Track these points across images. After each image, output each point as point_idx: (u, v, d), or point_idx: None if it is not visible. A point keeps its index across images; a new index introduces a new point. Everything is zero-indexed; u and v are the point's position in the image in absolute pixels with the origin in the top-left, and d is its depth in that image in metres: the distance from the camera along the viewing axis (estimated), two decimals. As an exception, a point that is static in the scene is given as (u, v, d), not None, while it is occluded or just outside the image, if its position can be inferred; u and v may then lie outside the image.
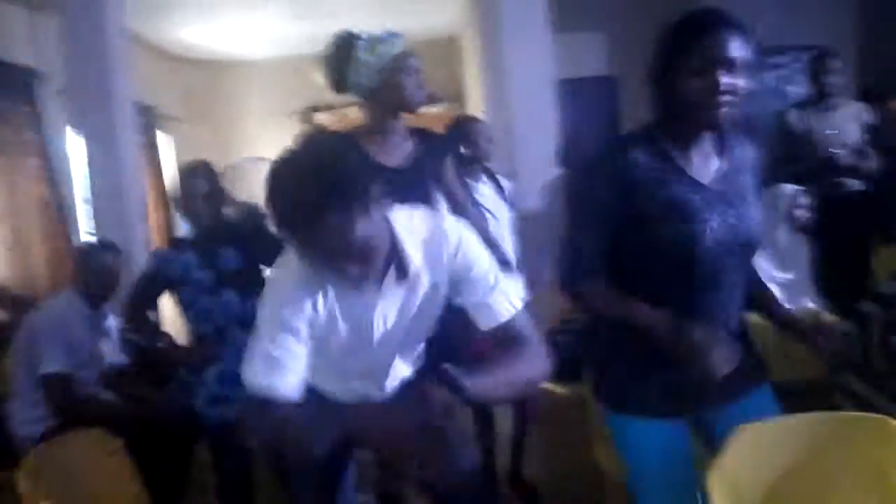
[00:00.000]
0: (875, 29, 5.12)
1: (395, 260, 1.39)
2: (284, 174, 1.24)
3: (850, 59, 4.98)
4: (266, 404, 1.34)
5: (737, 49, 1.29)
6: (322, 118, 6.53)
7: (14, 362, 2.61)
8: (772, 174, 3.27)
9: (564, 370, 2.79)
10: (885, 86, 4.02)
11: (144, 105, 5.25)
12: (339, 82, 1.94)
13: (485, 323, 1.44)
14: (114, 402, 2.66)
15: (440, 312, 1.52)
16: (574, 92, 4.42)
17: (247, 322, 2.24)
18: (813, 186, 3.17)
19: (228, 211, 2.50)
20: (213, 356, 2.24)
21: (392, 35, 1.93)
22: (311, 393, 1.46)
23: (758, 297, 1.58)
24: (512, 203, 3.08)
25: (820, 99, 3.49)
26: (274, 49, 6.50)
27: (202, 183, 2.26)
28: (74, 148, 4.11)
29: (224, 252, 2.26)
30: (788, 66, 5.07)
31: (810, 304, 2.79)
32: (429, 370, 1.65)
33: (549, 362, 1.43)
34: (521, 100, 3.88)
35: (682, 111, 1.36)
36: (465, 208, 2.17)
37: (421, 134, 2.06)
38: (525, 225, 3.35)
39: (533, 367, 1.42)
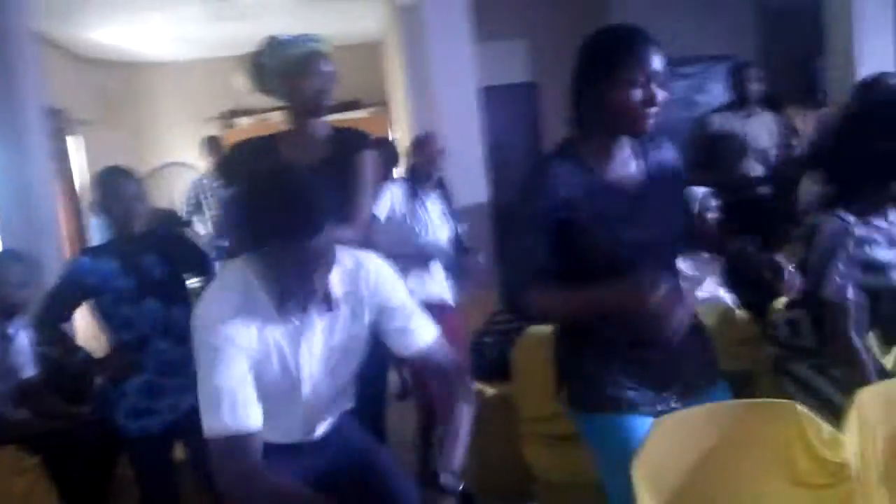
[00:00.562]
0: (771, 42, 5.47)
1: (323, 294, 1.43)
2: (263, 198, 1.32)
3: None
4: (241, 444, 1.33)
5: (658, 63, 1.39)
6: (242, 123, 6.42)
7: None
8: (687, 178, 3.45)
9: (492, 371, 2.87)
10: (781, 95, 4.29)
11: (54, 109, 5.03)
12: (255, 85, 2.00)
13: (405, 349, 1.52)
14: (27, 420, 2.53)
15: (363, 348, 1.55)
16: (497, 98, 4.52)
17: (170, 330, 2.19)
18: (727, 189, 3.36)
19: (149, 217, 2.43)
20: (135, 366, 2.17)
21: (303, 38, 1.96)
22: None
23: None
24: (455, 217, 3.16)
25: (740, 106, 3.70)
26: (191, 51, 6.34)
27: (126, 187, 2.19)
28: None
29: (146, 259, 2.20)
30: (697, 76, 5.35)
31: (722, 300, 2.94)
32: (357, 410, 1.70)
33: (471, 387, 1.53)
34: (445, 106, 3.93)
35: (611, 121, 1.43)
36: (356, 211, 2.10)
37: (341, 132, 2.09)
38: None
39: (470, 399, 1.51)
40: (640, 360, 1.48)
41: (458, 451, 1.45)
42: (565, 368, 1.59)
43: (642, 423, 1.48)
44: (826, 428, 1.44)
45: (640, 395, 1.51)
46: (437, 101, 3.95)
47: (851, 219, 1.81)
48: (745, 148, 3.58)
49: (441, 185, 3.13)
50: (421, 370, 1.55)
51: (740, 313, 2.69)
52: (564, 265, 1.49)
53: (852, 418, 1.47)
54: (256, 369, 1.41)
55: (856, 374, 1.73)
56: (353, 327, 1.50)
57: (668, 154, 1.58)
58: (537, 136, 5.62)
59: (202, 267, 2.37)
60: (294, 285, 1.35)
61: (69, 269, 2.22)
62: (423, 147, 3.03)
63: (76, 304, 2.24)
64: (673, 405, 1.51)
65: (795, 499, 1.42)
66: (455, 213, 3.19)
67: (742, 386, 2.27)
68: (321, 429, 1.61)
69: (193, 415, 2.14)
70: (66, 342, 2.31)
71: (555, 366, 1.61)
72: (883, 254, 1.81)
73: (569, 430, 1.68)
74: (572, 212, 1.44)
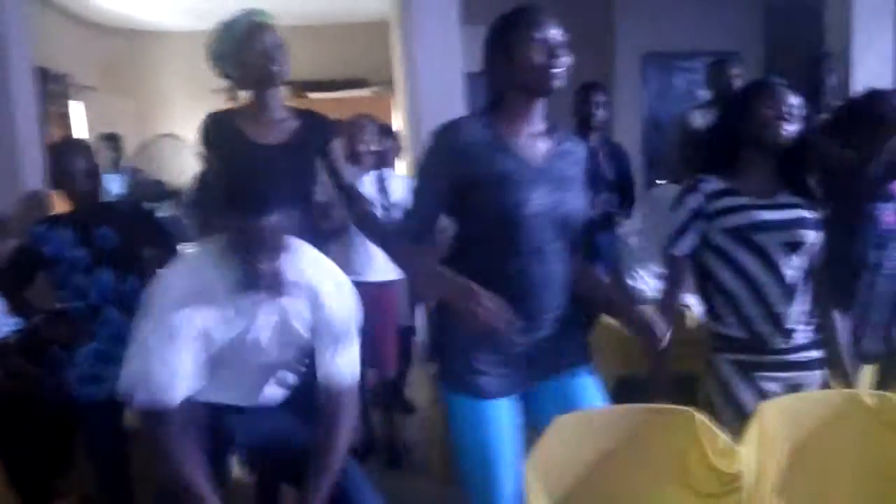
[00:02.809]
0: (779, 35, 5.37)
1: (280, 281, 1.57)
2: (221, 176, 1.56)
3: (760, 63, 5.23)
4: (160, 415, 1.51)
5: (559, 32, 1.53)
6: (244, 95, 6.45)
7: None
8: (670, 173, 3.42)
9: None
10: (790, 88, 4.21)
11: (57, 73, 5.10)
12: (215, 70, 2.02)
13: (319, 366, 1.68)
14: (-9, 379, 2.60)
15: (306, 340, 1.69)
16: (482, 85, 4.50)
17: (122, 301, 2.25)
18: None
19: (138, 185, 2.49)
20: (86, 334, 2.23)
21: (245, 14, 2.02)
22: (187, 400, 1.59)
23: (584, 279, 1.71)
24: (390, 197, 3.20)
25: (720, 102, 3.61)
26: (197, 22, 6.35)
27: (80, 160, 2.23)
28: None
29: (101, 230, 2.24)
30: (699, 71, 5.28)
31: (687, 302, 2.94)
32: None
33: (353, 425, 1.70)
34: (431, 90, 3.93)
35: (520, 79, 1.52)
36: (350, 190, 2.26)
37: (307, 114, 2.14)
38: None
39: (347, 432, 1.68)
40: (503, 343, 1.54)
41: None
42: (435, 343, 1.68)
43: (501, 409, 1.56)
44: (722, 438, 1.45)
45: (498, 381, 1.57)
46: (424, 83, 3.95)
47: (712, 181, 1.83)
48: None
49: (383, 165, 3.27)
50: (322, 394, 1.69)
51: (691, 315, 2.69)
52: (461, 226, 1.60)
53: (752, 429, 1.48)
54: (207, 340, 1.55)
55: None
56: (295, 318, 1.63)
57: (578, 149, 1.67)
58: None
59: (160, 241, 2.41)
60: (245, 263, 1.49)
61: (26, 237, 2.28)
62: (352, 128, 3.11)
63: (33, 271, 2.30)
64: (534, 382, 1.61)
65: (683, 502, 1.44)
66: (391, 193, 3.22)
67: (686, 389, 2.28)
68: (261, 398, 1.76)
69: None
70: (23, 307, 2.37)
71: (429, 336, 1.72)
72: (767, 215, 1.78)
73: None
74: (475, 171, 1.53)
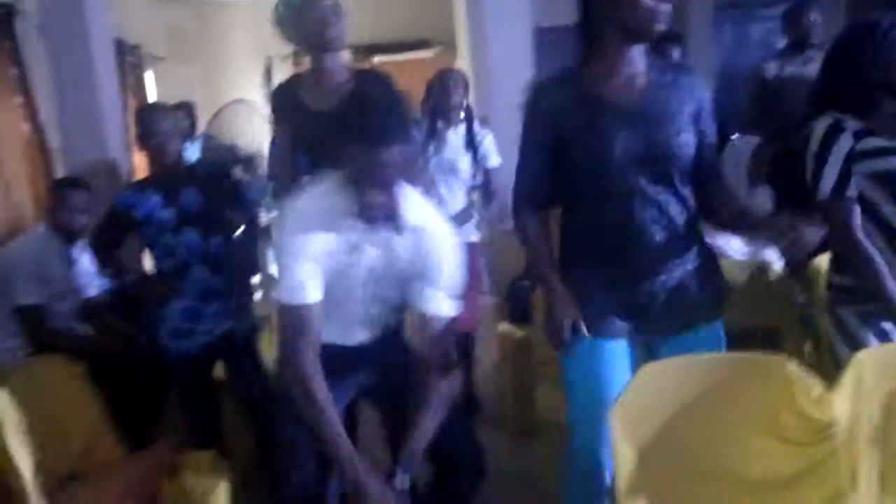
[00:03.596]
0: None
1: (395, 215, 1.63)
2: (356, 113, 1.59)
3: (839, 8, 4.95)
4: (301, 313, 1.62)
5: None
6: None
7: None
8: (745, 126, 3.31)
9: (523, 314, 2.93)
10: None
11: (130, 44, 5.24)
12: (281, 35, 2.07)
13: (415, 306, 1.72)
14: (88, 335, 2.75)
15: (404, 280, 1.73)
16: (551, 41, 4.41)
17: (208, 259, 2.34)
18: (784, 139, 3.21)
19: (212, 151, 2.56)
20: (176, 292, 2.33)
21: None
22: None
23: (718, 207, 1.65)
24: (480, 153, 3.13)
25: (797, 50, 3.47)
26: (262, -11, 6.43)
27: (165, 122, 2.31)
28: (55, 85, 4.12)
29: (186, 192, 2.33)
30: (777, 20, 5.03)
31: (769, 257, 2.86)
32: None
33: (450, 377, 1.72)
34: (499, 47, 3.89)
35: (623, 21, 1.49)
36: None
37: (366, 74, 2.14)
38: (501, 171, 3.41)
39: (443, 391, 1.70)
40: (626, 287, 1.56)
41: (419, 442, 1.65)
42: None
43: (615, 350, 1.57)
44: (816, 386, 1.43)
45: (618, 321, 1.58)
46: (491, 40, 3.91)
47: (851, 121, 1.75)
48: (803, 95, 3.38)
49: (468, 120, 3.10)
50: (418, 334, 1.73)
51: (775, 269, 2.62)
52: (561, 182, 1.61)
53: (847, 378, 1.45)
54: (325, 270, 1.64)
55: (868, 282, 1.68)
56: (407, 258, 1.69)
57: (686, 79, 1.60)
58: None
59: (240, 203, 2.49)
60: (361, 195, 1.57)
61: (116, 201, 2.39)
62: (440, 82, 3.03)
63: (124, 233, 2.41)
64: (652, 340, 1.61)
65: (776, 453, 1.43)
66: (483, 151, 3.14)
67: (768, 341, 2.25)
68: (366, 337, 1.83)
69: (229, 338, 2.34)
70: (118, 266, 2.50)
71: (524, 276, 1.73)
72: None
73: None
74: (567, 124, 1.54)
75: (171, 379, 2.68)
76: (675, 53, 3.14)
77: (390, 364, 1.84)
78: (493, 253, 3.33)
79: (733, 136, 3.14)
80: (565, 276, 1.63)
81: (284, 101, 2.10)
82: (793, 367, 1.44)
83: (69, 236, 2.73)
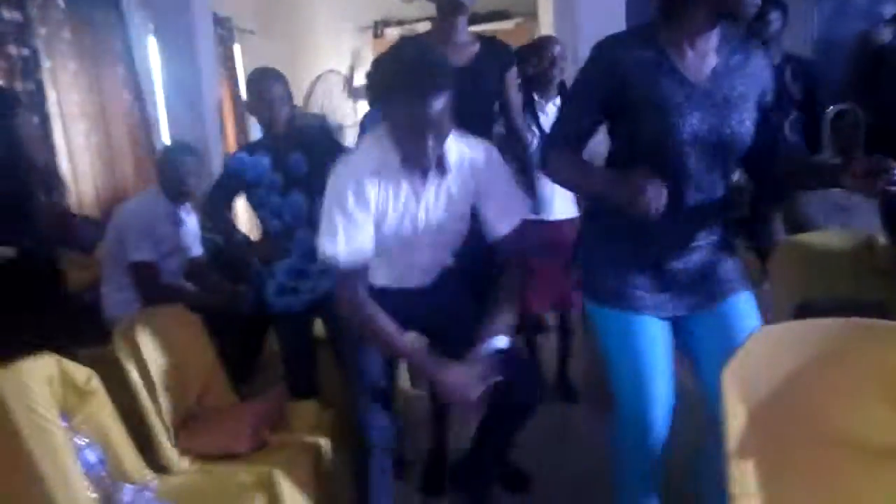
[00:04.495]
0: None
1: (441, 160, 1.69)
2: (396, 62, 1.59)
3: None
4: (349, 269, 1.67)
5: None
6: (392, 33, 6.58)
7: (105, 251, 2.88)
8: (845, 96, 3.17)
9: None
10: None
11: (221, 17, 5.41)
12: None
13: (496, 230, 1.78)
14: (194, 291, 2.90)
15: (467, 214, 1.81)
16: (643, 9, 4.31)
17: (312, 221, 2.43)
18: (890, 114, 3.07)
19: (301, 120, 2.65)
20: (283, 251, 2.44)
21: None
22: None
23: (790, 165, 1.63)
24: None
25: None
26: (345, -38, 6.51)
27: (276, 88, 2.39)
28: (156, 56, 4.31)
29: (293, 156, 2.42)
30: (882, -14, 4.78)
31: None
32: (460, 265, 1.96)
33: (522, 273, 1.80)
34: (589, 17, 3.82)
35: (718, 5, 1.43)
36: (516, 122, 2.30)
37: (487, 40, 2.21)
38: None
39: (516, 283, 1.79)
40: (657, 264, 1.55)
41: (505, 317, 1.73)
42: (585, 256, 1.69)
43: (650, 323, 1.57)
44: (939, 355, 1.39)
45: (650, 297, 1.58)
46: (582, 9, 3.85)
47: None
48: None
49: (563, 91, 3.03)
50: (493, 248, 1.81)
51: (883, 242, 2.53)
52: (617, 148, 1.58)
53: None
54: (380, 220, 1.70)
55: None
56: (460, 193, 1.75)
57: (755, 61, 1.55)
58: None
59: None
60: (415, 143, 1.58)
61: (230, 164, 2.50)
62: (540, 51, 2.93)
63: (236, 193, 2.52)
64: (683, 310, 1.60)
65: (891, 422, 1.40)
66: None
67: (875, 316, 2.18)
68: (429, 278, 1.91)
69: (330, 297, 2.44)
70: (228, 225, 2.62)
71: (576, 248, 1.73)
72: None
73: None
74: (633, 91, 1.48)
75: (265, 335, 2.82)
76: (775, 18, 3.04)
77: (447, 305, 1.91)
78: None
79: (829, 109, 3.02)
80: (598, 250, 1.63)
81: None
82: (915, 335, 1.40)
83: (177, 198, 2.87)
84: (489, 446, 1.94)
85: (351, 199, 1.65)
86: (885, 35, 3.29)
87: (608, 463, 1.79)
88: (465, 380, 1.64)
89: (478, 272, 1.92)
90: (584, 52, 3.66)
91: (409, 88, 1.53)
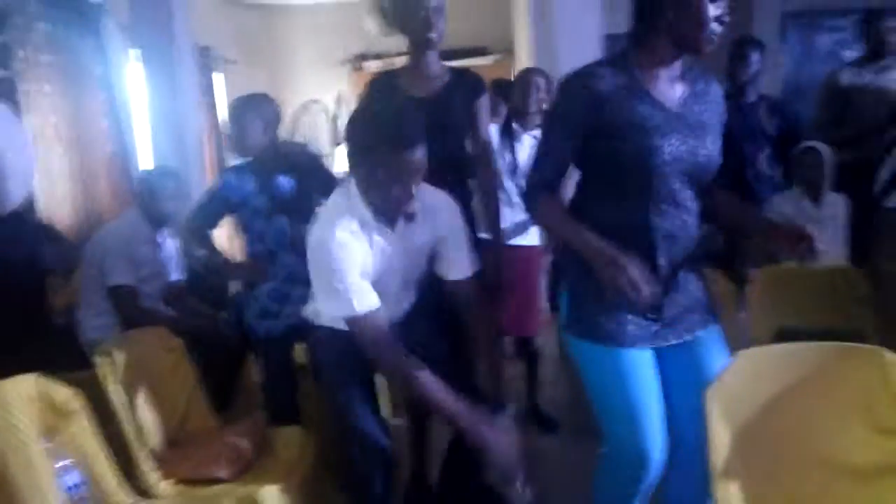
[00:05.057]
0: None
1: (408, 208, 1.72)
2: (369, 122, 1.65)
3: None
4: (371, 320, 1.70)
5: None
6: (370, 66, 6.66)
7: (84, 275, 2.83)
8: (814, 134, 3.29)
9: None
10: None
11: (202, 46, 5.43)
12: (378, 26, 2.19)
13: (452, 275, 1.88)
14: (174, 316, 2.86)
15: (428, 255, 1.89)
16: (619, 46, 4.43)
17: (296, 245, 2.43)
18: (858, 148, 3.20)
19: (285, 147, 2.67)
20: (266, 274, 2.43)
21: None
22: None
23: (726, 208, 1.71)
24: None
25: (874, 59, 3.43)
26: (326, -5, 6.60)
27: (265, 112, 2.42)
28: (135, 82, 4.31)
29: (279, 179, 2.43)
30: (846, 30, 4.98)
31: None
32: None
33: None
34: (568, 53, 3.91)
35: (677, 32, 1.49)
36: (481, 144, 2.31)
37: (458, 72, 2.25)
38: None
39: (490, 328, 1.89)
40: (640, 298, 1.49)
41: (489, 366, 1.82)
42: (571, 292, 1.67)
43: (638, 357, 1.57)
44: (913, 376, 1.44)
45: (639, 329, 1.57)
46: (559, 47, 3.95)
47: None
48: (878, 103, 3.35)
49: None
50: (452, 296, 1.89)
51: (856, 272, 2.61)
52: (593, 172, 1.60)
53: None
54: (362, 272, 1.72)
55: None
56: (424, 237, 1.83)
57: (713, 89, 1.63)
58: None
59: (331, 188, 2.58)
60: (393, 193, 1.63)
61: (218, 185, 2.51)
62: (519, 81, 3.00)
63: (221, 216, 2.53)
64: (671, 340, 1.60)
65: (872, 443, 1.44)
66: None
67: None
68: (402, 310, 1.96)
69: (311, 323, 2.42)
70: (210, 247, 2.61)
71: (553, 278, 1.72)
72: None
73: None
74: (611, 116, 1.51)
75: (245, 360, 2.79)
76: (755, 60, 3.17)
77: (416, 337, 1.89)
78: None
79: (797, 146, 3.14)
80: (583, 286, 1.61)
81: (383, 88, 2.19)
82: (890, 356, 1.45)
83: (157, 221, 2.85)
84: (461, 464, 1.92)
85: (341, 259, 1.67)
86: (848, 77, 3.44)
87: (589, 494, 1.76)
88: (509, 439, 1.65)
89: (441, 306, 1.97)
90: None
91: (385, 141, 1.59)
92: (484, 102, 2.28)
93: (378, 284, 1.77)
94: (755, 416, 1.49)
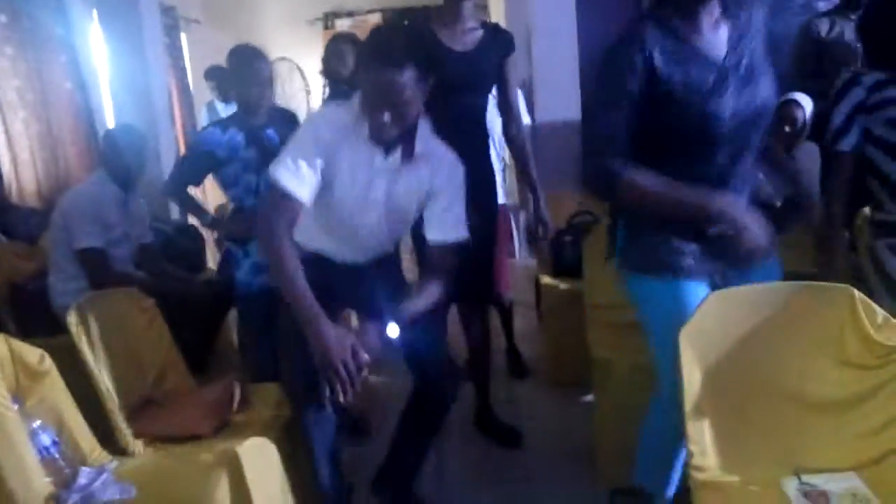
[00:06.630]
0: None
1: (408, 145, 1.73)
2: (374, 34, 1.67)
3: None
4: (284, 197, 1.66)
5: None
6: (342, 24, 6.54)
7: (51, 240, 2.78)
8: (792, 86, 3.28)
9: (569, 268, 2.98)
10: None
11: (167, 6, 5.29)
12: None
13: (432, 234, 1.81)
14: (147, 278, 2.83)
15: (416, 210, 1.84)
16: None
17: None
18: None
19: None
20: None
21: None
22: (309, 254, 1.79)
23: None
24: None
25: (848, 8, 3.40)
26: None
27: (264, 67, 2.39)
28: (98, 44, 4.19)
29: (267, 132, 2.41)
30: (818, -22, 4.94)
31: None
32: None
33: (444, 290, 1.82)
34: (542, 8, 3.88)
35: None
36: (511, 100, 2.40)
37: (491, 27, 2.31)
38: (542, 132, 3.45)
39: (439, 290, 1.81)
40: (701, 230, 1.50)
41: (410, 306, 1.76)
42: (624, 230, 1.64)
43: (696, 289, 1.55)
44: (881, 312, 1.46)
45: (697, 263, 1.55)
46: (534, 2, 3.90)
47: (872, 74, 1.80)
48: (854, 54, 3.35)
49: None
50: (430, 255, 1.84)
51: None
52: (650, 140, 1.48)
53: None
54: (332, 178, 1.71)
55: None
56: (417, 184, 1.78)
57: (755, 16, 1.52)
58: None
59: None
60: (381, 115, 1.62)
61: (202, 139, 2.46)
62: None
63: (206, 171, 2.49)
64: (728, 277, 1.58)
65: (840, 376, 1.47)
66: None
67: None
68: (365, 258, 1.91)
69: None
70: (193, 205, 2.58)
71: (611, 226, 1.69)
72: None
73: (631, 318, 1.72)
74: (664, 83, 1.44)
75: (221, 322, 2.77)
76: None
77: (375, 288, 1.87)
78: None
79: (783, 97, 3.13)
80: (641, 219, 1.58)
81: (420, 36, 2.16)
82: (860, 295, 1.47)
83: (124, 181, 2.79)
84: (409, 444, 1.98)
85: (310, 137, 1.69)
86: (823, 27, 3.42)
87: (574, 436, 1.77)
88: (343, 342, 1.60)
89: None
90: (538, 41, 3.70)
91: (372, 58, 1.60)
92: (513, 60, 2.35)
93: (351, 209, 1.76)
94: (727, 355, 1.50)
